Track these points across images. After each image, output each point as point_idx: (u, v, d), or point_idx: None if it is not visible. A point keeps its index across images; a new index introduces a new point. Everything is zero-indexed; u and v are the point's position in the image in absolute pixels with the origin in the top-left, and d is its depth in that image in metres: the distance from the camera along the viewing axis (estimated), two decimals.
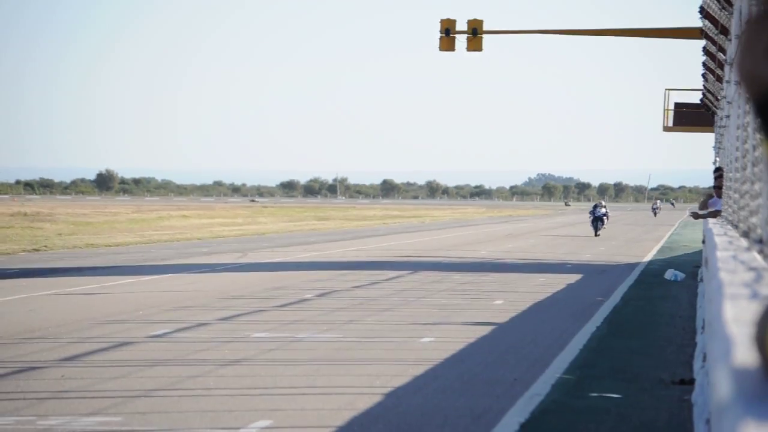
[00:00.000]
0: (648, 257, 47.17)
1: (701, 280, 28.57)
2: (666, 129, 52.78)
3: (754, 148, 12.48)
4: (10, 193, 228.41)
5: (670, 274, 34.46)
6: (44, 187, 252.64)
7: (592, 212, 68.42)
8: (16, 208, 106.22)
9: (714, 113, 48.51)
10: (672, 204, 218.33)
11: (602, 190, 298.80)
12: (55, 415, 12.78)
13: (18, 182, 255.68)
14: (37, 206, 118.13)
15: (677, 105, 52.67)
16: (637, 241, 64.11)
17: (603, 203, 70.02)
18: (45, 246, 48.80)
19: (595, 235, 66.95)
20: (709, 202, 28.34)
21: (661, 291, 30.25)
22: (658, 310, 25.24)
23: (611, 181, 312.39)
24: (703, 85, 45.63)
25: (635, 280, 34.04)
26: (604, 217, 68.34)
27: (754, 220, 11.82)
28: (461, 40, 43.29)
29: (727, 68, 24.74)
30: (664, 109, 52.23)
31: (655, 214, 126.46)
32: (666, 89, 52.43)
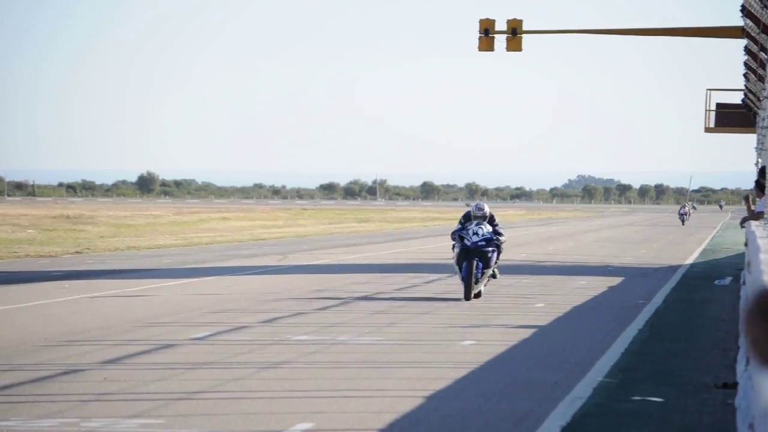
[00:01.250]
0: (690, 260, 46.92)
1: (744, 283, 28.38)
2: (707, 130, 52.45)
3: None
4: (52, 195, 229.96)
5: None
6: (86, 189, 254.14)
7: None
8: (58, 210, 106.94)
9: (756, 113, 48.16)
10: (719, 206, 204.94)
11: (643, 192, 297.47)
12: (98, 417, 12.86)
13: (60, 185, 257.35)
14: (80, 208, 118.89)
15: (719, 105, 52.31)
16: (680, 243, 63.78)
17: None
18: (87, 248, 49.10)
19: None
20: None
21: (703, 294, 30.08)
22: (700, 313, 25.10)
23: (652, 182, 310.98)
24: (745, 85, 45.34)
25: (677, 283, 33.87)
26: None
27: None
28: (500, 40, 43.23)
29: None
30: (706, 110, 51.90)
31: (682, 221, 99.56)
32: (707, 89, 52.10)
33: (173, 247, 52.86)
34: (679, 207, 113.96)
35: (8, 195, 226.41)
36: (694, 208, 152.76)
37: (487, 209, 27.98)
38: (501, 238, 27.44)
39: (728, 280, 34.58)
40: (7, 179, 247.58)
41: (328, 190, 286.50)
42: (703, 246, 59.72)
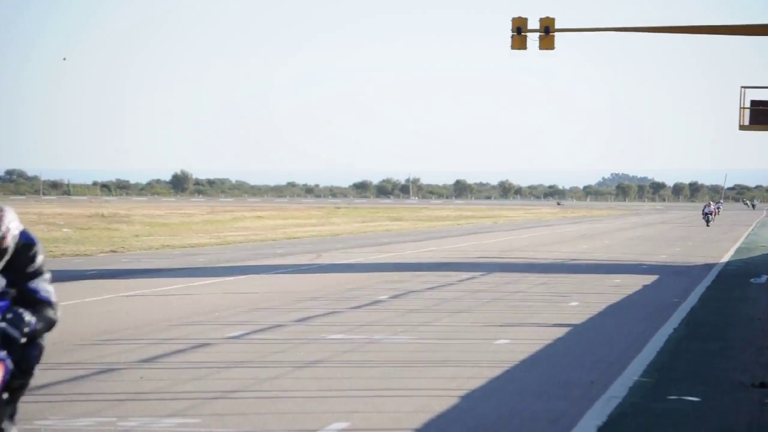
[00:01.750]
0: (725, 258, 46.69)
1: None
2: (742, 128, 52.18)
3: None
4: (87, 194, 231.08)
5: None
6: (121, 188, 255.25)
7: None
8: (93, 209, 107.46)
9: None
10: (751, 205, 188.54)
11: (677, 189, 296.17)
12: (135, 416, 12.92)
13: (95, 183, 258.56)
14: (114, 207, 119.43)
15: (753, 103, 52.02)
16: (714, 241, 63.47)
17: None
18: (122, 247, 49.32)
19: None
20: None
21: (739, 292, 29.93)
22: (736, 311, 24.98)
23: (686, 180, 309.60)
24: None
25: (712, 281, 33.71)
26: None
27: None
28: (533, 39, 43.12)
29: None
30: (740, 108, 51.65)
31: (707, 221, 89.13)
32: (741, 87, 51.84)
33: (207, 245, 53.03)
34: (703, 205, 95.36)
35: (44, 194, 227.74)
36: (719, 205, 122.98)
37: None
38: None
39: (765, 278, 34.38)
40: (43, 178, 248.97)
41: (362, 188, 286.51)
42: (738, 244, 59.41)
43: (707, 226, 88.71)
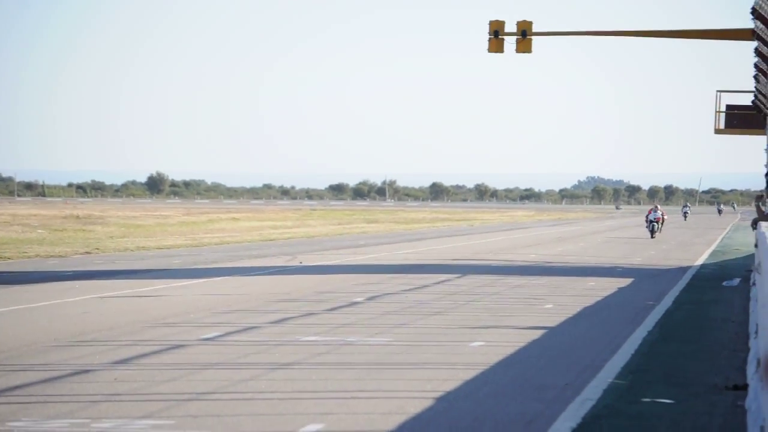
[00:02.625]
0: (700, 261, 46.87)
1: (754, 284, 28.34)
2: (717, 131, 52.38)
3: None
4: (62, 195, 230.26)
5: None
6: (96, 189, 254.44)
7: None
8: (68, 210, 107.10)
9: (766, 115, 48.09)
10: (733, 207, 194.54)
11: (652, 193, 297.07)
12: (108, 417, 12.88)
13: (70, 185, 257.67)
14: (89, 209, 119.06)
15: (728, 107, 52.22)
16: (689, 244, 63.70)
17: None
18: (97, 248, 49.16)
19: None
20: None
21: (713, 295, 30.04)
22: (710, 314, 25.07)
23: (662, 184, 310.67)
24: (755, 87, 45.25)
25: (687, 284, 33.83)
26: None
27: None
28: (510, 42, 43.20)
29: None
30: (715, 112, 51.83)
31: (652, 232, 70.40)
32: (717, 91, 52.04)
33: (183, 247, 52.92)
34: (648, 210, 72.19)
35: (18, 195, 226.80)
36: (686, 210, 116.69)
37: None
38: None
39: (737, 281, 34.52)
40: (18, 179, 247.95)
41: (338, 190, 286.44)
42: (713, 247, 59.64)
43: (651, 237, 68.36)
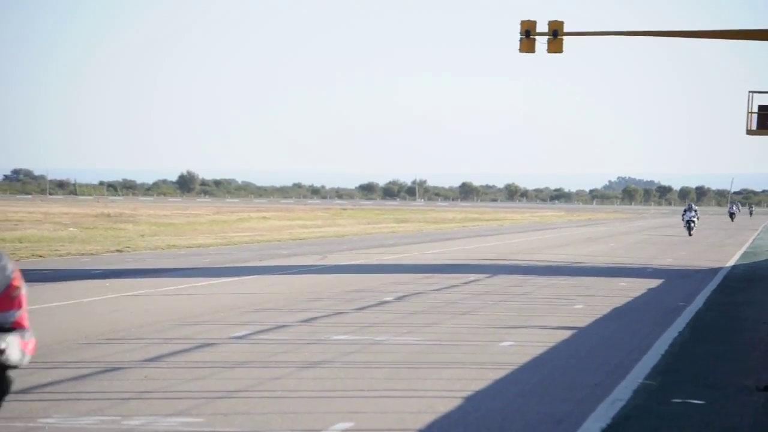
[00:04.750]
0: (731, 262, 46.64)
1: None
2: (749, 132, 52.10)
3: None
4: (93, 194, 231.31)
5: None
6: (127, 188, 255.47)
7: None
8: (99, 209, 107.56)
9: None
10: (749, 212, 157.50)
11: (683, 194, 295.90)
12: (138, 415, 12.92)
13: (101, 183, 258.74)
14: (120, 207, 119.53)
15: (761, 108, 51.94)
16: (720, 245, 63.41)
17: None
18: (128, 247, 49.35)
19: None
20: None
21: (744, 296, 29.89)
22: (741, 315, 24.95)
23: (693, 185, 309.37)
24: None
25: (718, 285, 33.67)
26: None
27: None
28: (542, 42, 43.10)
29: None
30: (748, 112, 51.57)
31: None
32: (749, 92, 51.77)
33: (213, 246, 53.05)
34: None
35: (50, 193, 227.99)
36: (693, 214, 74.09)
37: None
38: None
39: None
40: (50, 178, 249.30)
41: (368, 190, 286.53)
42: (744, 248, 59.34)
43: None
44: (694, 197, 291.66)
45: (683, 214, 75.37)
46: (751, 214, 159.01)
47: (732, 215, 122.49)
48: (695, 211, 74.45)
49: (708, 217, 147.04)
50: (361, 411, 13.32)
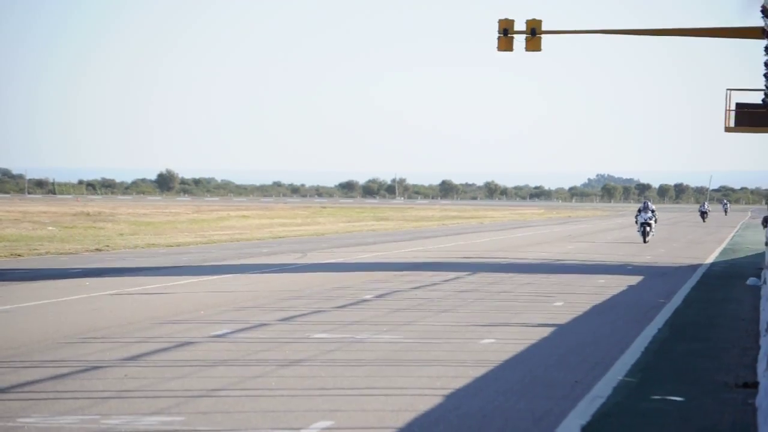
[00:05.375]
0: (710, 259, 46.80)
1: (765, 282, 28.30)
2: (727, 130, 52.29)
3: None
4: (72, 193, 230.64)
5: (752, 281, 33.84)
6: (106, 187, 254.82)
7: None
8: (78, 208, 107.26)
9: None
10: (723, 210, 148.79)
11: (662, 191, 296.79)
12: (118, 414, 12.89)
13: (80, 182, 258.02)
14: (99, 206, 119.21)
15: (739, 105, 52.12)
16: (699, 242, 63.61)
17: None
18: (107, 246, 49.23)
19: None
20: None
21: (723, 293, 30.00)
22: (720, 312, 25.03)
23: (672, 182, 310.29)
24: (765, 85, 45.21)
25: (697, 282, 33.78)
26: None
27: None
28: (520, 40, 43.17)
29: None
30: (726, 110, 51.75)
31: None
32: (727, 89, 51.94)
33: (193, 244, 52.96)
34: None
35: (29, 192, 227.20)
36: (650, 215, 58.87)
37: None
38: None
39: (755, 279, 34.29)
40: (28, 177, 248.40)
41: (347, 188, 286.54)
42: (723, 245, 59.54)
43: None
44: (673, 195, 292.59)
45: (637, 215, 58.96)
46: (725, 212, 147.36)
47: (703, 214, 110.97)
48: (652, 211, 58.50)
49: (685, 215, 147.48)
50: (342, 409, 13.32)
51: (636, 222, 59.25)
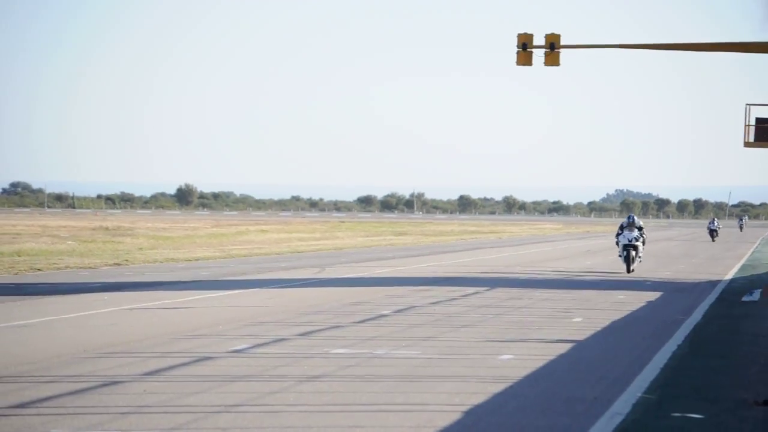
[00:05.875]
0: (729, 275, 46.65)
1: None
2: (747, 145, 52.18)
3: None
4: (92, 207, 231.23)
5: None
6: (125, 201, 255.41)
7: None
8: (97, 222, 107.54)
9: None
10: (738, 226, 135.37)
11: (682, 206, 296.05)
12: (137, 429, 12.91)
13: (99, 196, 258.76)
14: (118, 220, 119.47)
15: (758, 120, 52.01)
16: (719, 258, 63.44)
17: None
18: (126, 260, 49.33)
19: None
20: None
21: (743, 310, 29.90)
22: (740, 329, 24.95)
23: (691, 197, 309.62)
24: None
25: (717, 299, 33.68)
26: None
27: None
28: (538, 55, 43.18)
29: None
30: (745, 125, 51.65)
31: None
32: (747, 104, 51.87)
33: (211, 259, 53.04)
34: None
35: (48, 207, 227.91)
36: (637, 234, 44.37)
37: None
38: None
39: (757, 293, 34.20)
40: (48, 191, 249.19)
41: (366, 203, 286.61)
42: (742, 261, 59.36)
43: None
44: (693, 210, 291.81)
45: (618, 234, 44.75)
46: (741, 228, 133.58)
47: (712, 233, 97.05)
48: (639, 228, 44.32)
49: (704, 230, 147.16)
50: (361, 425, 13.31)
51: (617, 243, 44.51)
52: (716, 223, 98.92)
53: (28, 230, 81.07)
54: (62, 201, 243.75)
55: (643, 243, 45.09)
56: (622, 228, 44.90)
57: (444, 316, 26.40)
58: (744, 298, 33.53)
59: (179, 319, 24.79)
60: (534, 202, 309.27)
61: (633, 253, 44.11)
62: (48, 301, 28.69)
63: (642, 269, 49.29)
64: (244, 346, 20.10)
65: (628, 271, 43.57)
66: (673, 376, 17.39)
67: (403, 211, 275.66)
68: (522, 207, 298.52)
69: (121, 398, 14.77)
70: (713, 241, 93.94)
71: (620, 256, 44.44)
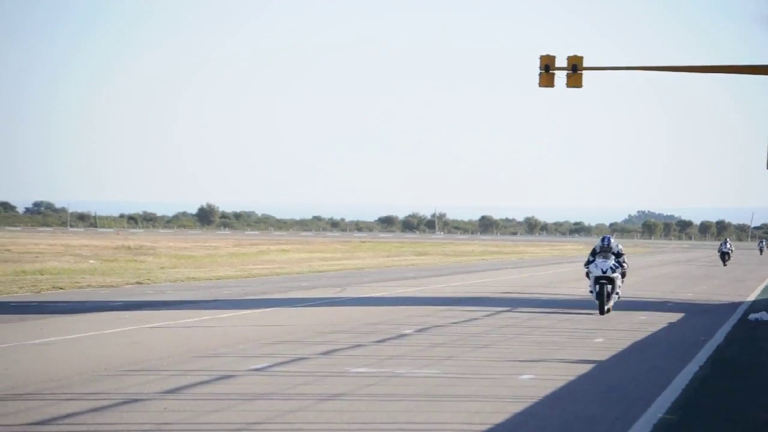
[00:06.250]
0: (752, 297, 46.45)
1: None
2: None
3: None
4: (114, 226, 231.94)
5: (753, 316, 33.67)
6: (147, 220, 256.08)
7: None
8: (120, 241, 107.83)
9: None
10: (759, 249, 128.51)
11: (704, 228, 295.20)
12: None
13: (122, 216, 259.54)
14: (141, 240, 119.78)
15: None
16: (741, 280, 63.18)
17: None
18: (148, 279, 49.43)
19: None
20: None
21: (765, 331, 29.76)
22: (762, 350, 24.83)
23: (713, 219, 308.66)
24: None
25: (739, 320, 33.53)
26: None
27: None
28: (561, 77, 43.17)
29: None
30: (767, 147, 51.45)
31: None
32: None
33: (232, 278, 53.10)
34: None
35: (71, 226, 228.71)
36: (612, 263, 33.27)
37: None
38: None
39: (766, 315, 34.00)
40: (70, 210, 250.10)
41: (387, 223, 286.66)
42: (765, 283, 59.10)
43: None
44: (715, 232, 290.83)
45: (589, 262, 34.26)
46: (761, 251, 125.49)
47: (724, 256, 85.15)
48: (617, 255, 34.29)
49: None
50: None
51: (587, 275, 33.95)
52: (728, 245, 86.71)
53: (50, 249, 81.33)
54: (84, 220, 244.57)
55: (623, 275, 34.11)
56: (594, 254, 33.98)
57: (464, 335, 26.35)
58: (750, 317, 33.27)
59: (200, 337, 24.81)
60: (556, 223, 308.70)
61: (608, 288, 33.29)
62: (70, 320, 28.75)
63: (663, 290, 49.11)
64: (265, 364, 20.10)
65: (602, 312, 33.08)
66: (695, 397, 17.31)
67: (424, 231, 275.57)
68: (544, 228, 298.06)
69: (141, 416, 14.78)
70: (724, 265, 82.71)
71: (591, 291, 33.69)
